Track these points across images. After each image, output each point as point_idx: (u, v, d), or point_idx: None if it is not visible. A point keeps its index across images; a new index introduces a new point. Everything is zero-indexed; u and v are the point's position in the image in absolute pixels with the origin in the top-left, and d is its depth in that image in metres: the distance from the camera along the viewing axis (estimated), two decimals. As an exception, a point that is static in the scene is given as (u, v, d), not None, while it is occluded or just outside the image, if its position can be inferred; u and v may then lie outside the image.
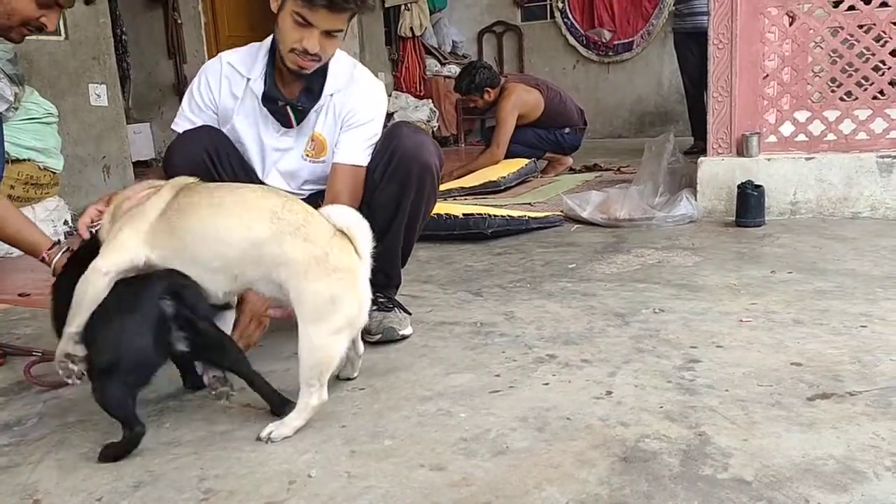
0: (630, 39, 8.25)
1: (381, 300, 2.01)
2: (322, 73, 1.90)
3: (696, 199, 3.42)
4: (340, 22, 1.78)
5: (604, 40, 8.34)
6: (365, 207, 1.87)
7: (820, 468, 1.24)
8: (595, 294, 2.33)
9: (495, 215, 3.31)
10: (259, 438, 1.43)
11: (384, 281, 2.02)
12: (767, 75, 3.42)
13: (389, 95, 8.37)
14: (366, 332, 1.87)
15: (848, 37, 3.39)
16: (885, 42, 3.32)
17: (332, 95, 1.93)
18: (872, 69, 3.34)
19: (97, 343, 1.42)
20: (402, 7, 8.25)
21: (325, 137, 1.96)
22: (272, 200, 1.49)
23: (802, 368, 1.67)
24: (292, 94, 1.93)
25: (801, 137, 3.41)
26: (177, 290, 1.44)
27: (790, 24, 3.41)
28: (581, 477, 1.25)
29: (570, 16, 8.47)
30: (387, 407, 1.54)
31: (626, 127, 8.44)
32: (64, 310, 1.47)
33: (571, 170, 5.41)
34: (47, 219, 3.73)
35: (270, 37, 1.92)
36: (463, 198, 4.36)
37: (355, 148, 1.92)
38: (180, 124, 1.98)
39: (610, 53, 8.37)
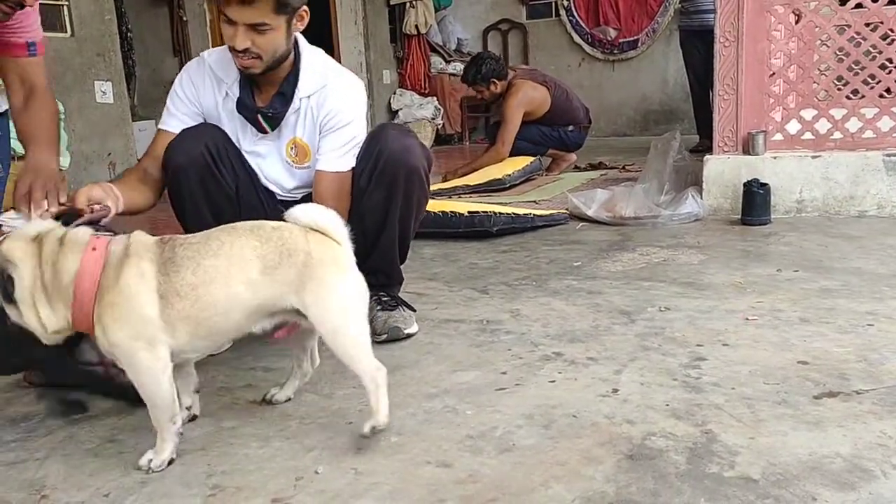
0: (635, 37, 8.22)
1: (385, 299, 2.01)
2: (294, 76, 1.87)
3: (701, 198, 3.41)
4: (259, 14, 1.70)
5: (609, 38, 8.32)
6: (354, 212, 1.85)
7: (827, 466, 1.24)
8: (601, 292, 2.33)
9: (500, 213, 3.30)
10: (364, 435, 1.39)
11: (385, 280, 2.02)
12: (774, 73, 3.42)
13: (394, 93, 8.39)
14: (372, 333, 1.86)
15: (855, 35, 3.38)
16: (893, 40, 3.31)
17: (308, 98, 1.88)
18: (879, 67, 3.33)
19: None
20: (408, 4, 8.24)
21: (306, 142, 1.92)
22: (250, 241, 1.37)
23: (809, 367, 1.67)
24: (266, 99, 1.89)
25: (808, 135, 3.40)
26: None
27: (796, 22, 3.41)
28: (587, 474, 1.26)
29: (575, 13, 8.45)
30: (393, 404, 1.53)
31: (631, 125, 8.42)
32: None
33: (576, 167, 5.41)
34: (53, 215, 3.73)
35: None
36: (468, 195, 4.36)
37: (336, 153, 1.88)
38: (168, 122, 1.95)
39: (615, 51, 8.35)
